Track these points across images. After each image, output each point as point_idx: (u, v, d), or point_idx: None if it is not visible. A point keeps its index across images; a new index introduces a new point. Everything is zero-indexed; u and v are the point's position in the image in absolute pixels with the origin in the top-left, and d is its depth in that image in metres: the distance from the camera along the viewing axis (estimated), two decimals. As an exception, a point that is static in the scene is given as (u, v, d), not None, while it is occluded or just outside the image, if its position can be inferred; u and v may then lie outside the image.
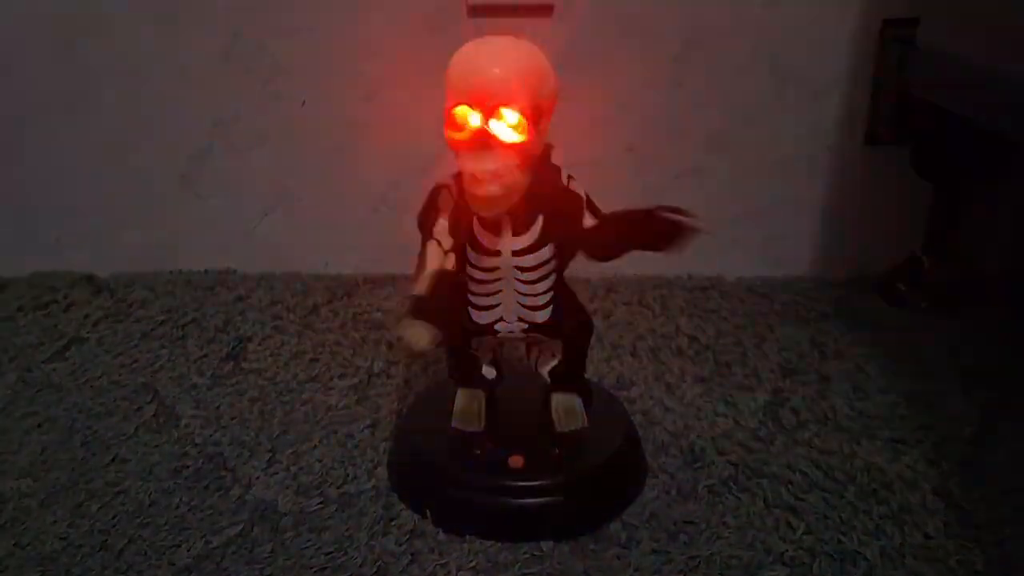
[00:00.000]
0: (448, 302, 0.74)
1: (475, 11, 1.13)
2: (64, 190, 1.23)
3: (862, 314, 1.15)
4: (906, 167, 1.15)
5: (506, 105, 0.68)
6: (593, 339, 0.85)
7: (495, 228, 0.74)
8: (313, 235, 1.26)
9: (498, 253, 0.74)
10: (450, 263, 0.73)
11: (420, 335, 0.73)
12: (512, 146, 0.68)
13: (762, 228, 1.24)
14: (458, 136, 0.69)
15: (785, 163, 1.20)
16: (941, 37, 1.02)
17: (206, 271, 1.26)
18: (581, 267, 0.78)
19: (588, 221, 0.75)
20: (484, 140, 0.68)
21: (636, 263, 1.22)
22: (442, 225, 0.73)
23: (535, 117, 0.69)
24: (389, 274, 1.25)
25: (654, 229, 0.75)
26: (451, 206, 0.73)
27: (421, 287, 0.71)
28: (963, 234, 1.16)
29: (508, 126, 0.68)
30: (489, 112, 0.68)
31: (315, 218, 1.25)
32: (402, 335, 0.75)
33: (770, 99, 1.17)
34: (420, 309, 0.74)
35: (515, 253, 0.74)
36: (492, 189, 0.69)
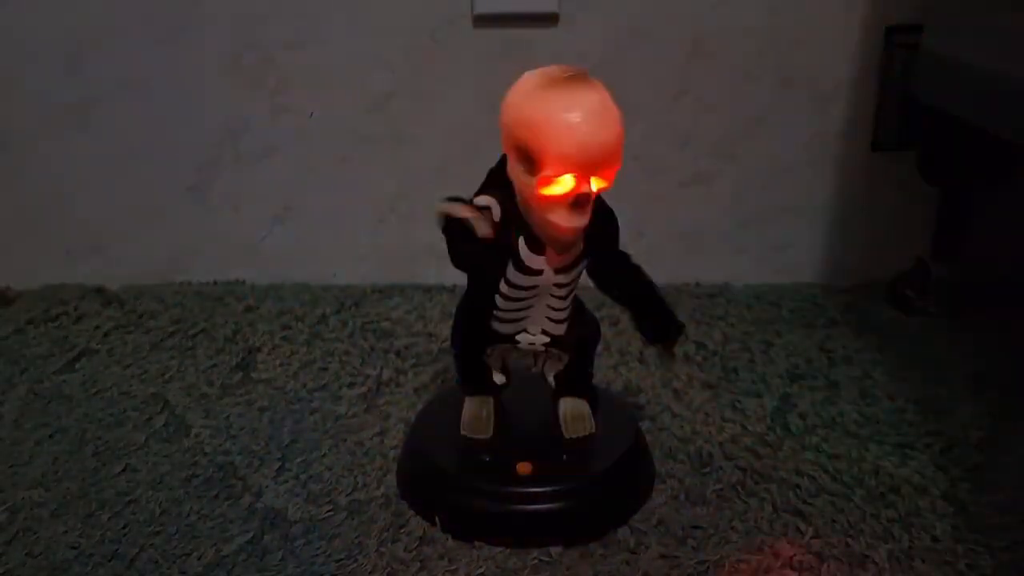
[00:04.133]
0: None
1: (481, 21, 1.14)
2: (74, 203, 1.24)
3: (869, 320, 1.15)
4: (912, 172, 1.15)
5: (608, 168, 0.68)
6: (601, 345, 0.85)
7: (542, 248, 0.73)
8: (321, 245, 1.26)
9: (540, 272, 0.74)
10: (487, 229, 0.68)
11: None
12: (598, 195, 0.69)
13: (769, 235, 1.24)
14: (555, 192, 0.68)
15: (791, 170, 1.20)
16: (945, 43, 1.02)
17: (215, 282, 1.27)
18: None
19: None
20: (585, 200, 0.68)
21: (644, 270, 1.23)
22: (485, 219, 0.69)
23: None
24: (397, 284, 1.25)
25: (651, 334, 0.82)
26: (488, 234, 0.69)
27: (484, 227, 0.68)
28: (970, 239, 1.16)
29: (601, 186, 0.69)
30: (592, 175, 0.67)
31: (323, 229, 1.25)
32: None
33: (775, 106, 1.17)
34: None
35: (557, 271, 0.74)
36: (578, 237, 0.71)
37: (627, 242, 1.20)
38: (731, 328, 1.13)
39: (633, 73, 1.16)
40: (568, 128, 0.65)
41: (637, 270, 0.80)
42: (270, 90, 1.18)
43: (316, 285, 1.26)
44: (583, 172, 0.67)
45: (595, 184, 0.68)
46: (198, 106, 1.19)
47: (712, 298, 1.21)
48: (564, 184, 0.67)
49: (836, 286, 1.24)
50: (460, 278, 0.78)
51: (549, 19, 1.14)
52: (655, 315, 0.82)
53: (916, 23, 1.08)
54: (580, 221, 0.69)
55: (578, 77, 0.67)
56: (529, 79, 0.69)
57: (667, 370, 0.76)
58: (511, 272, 0.74)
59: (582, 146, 0.66)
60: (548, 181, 0.67)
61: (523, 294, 0.75)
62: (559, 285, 0.75)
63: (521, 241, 0.72)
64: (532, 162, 0.67)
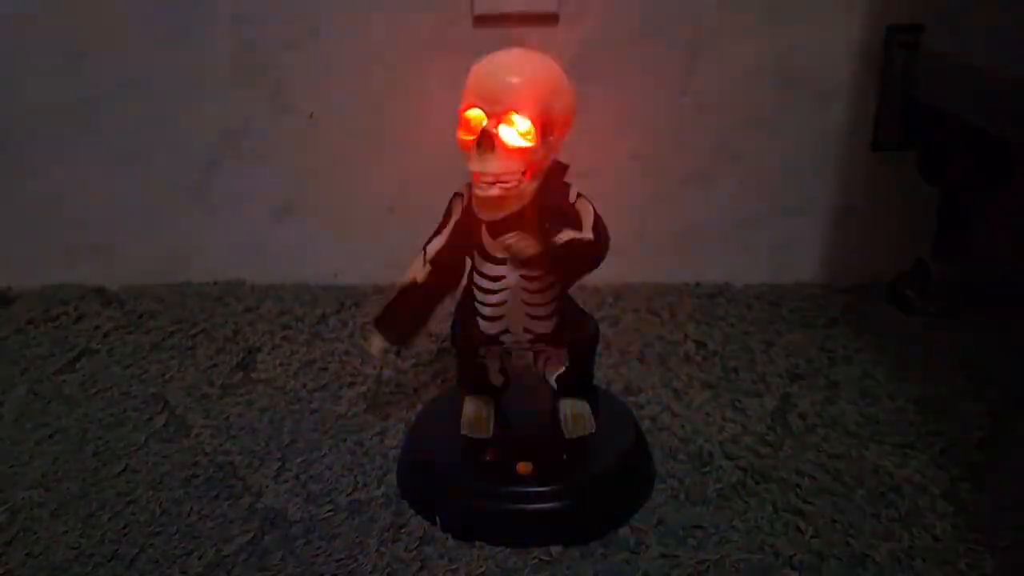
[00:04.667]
0: (412, 315, 0.82)
1: (481, 21, 1.14)
2: (74, 203, 1.24)
3: (870, 319, 1.15)
4: (913, 173, 1.15)
5: (516, 111, 0.70)
6: (601, 346, 0.85)
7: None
8: (322, 245, 1.26)
9: (504, 262, 0.75)
10: (423, 275, 0.79)
11: (373, 343, 0.84)
12: (516, 151, 0.70)
13: (769, 235, 1.24)
14: (467, 137, 0.71)
15: (791, 170, 1.20)
16: (946, 43, 1.02)
17: (215, 282, 1.27)
18: (590, 275, 0.78)
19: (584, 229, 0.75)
20: (490, 142, 0.69)
21: (644, 271, 1.24)
22: (437, 241, 0.78)
23: (545, 127, 0.70)
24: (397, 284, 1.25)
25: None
26: (460, 211, 0.77)
27: (386, 297, 0.79)
28: (970, 239, 1.16)
29: (517, 133, 0.70)
30: (499, 117, 0.70)
31: (324, 229, 1.25)
32: (361, 340, 0.80)
33: (776, 106, 1.17)
34: (381, 318, 0.83)
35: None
36: (493, 192, 0.71)
37: (627, 242, 1.21)
38: (731, 328, 1.13)
39: (633, 73, 1.16)
40: (482, 65, 0.72)
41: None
42: (270, 90, 1.18)
43: (316, 285, 1.26)
44: (486, 106, 0.70)
45: (508, 133, 0.70)
46: (198, 106, 1.19)
47: (712, 298, 1.21)
48: (477, 126, 0.71)
49: (836, 286, 1.24)
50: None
51: (549, 19, 1.14)
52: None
53: (917, 23, 1.08)
54: (486, 167, 0.70)
55: (533, 49, 0.73)
56: None
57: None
58: (478, 261, 0.76)
59: (485, 78, 0.71)
60: (464, 122, 0.72)
61: (493, 285, 0.76)
62: (527, 278, 0.75)
63: (484, 228, 0.74)
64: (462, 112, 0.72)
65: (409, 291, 0.80)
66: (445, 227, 0.78)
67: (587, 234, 0.73)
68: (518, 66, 0.71)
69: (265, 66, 1.17)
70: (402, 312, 0.83)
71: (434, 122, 1.19)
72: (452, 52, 1.15)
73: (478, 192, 0.71)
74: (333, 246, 1.26)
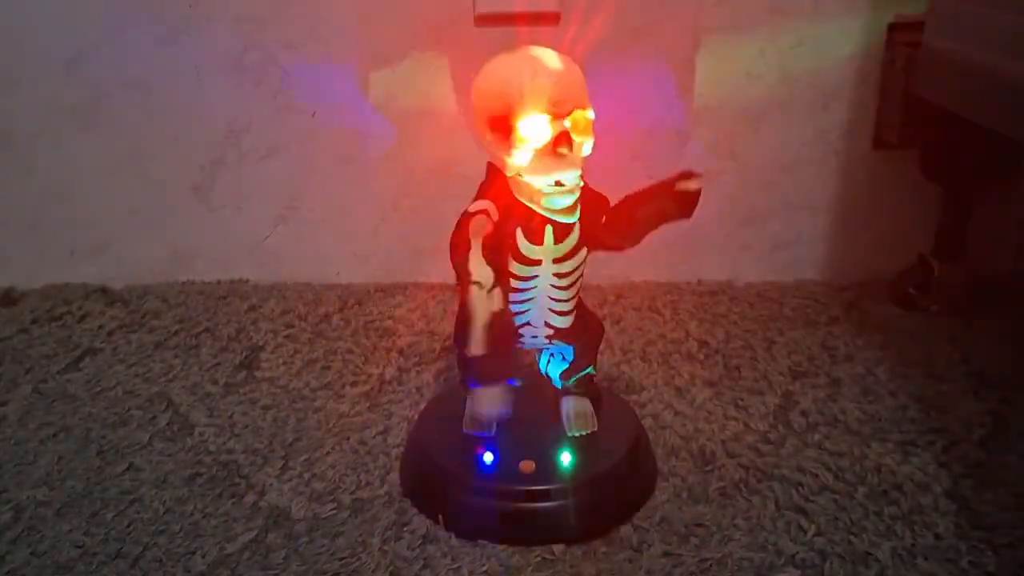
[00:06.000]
0: (500, 342, 0.74)
1: (483, 20, 1.14)
2: (77, 202, 1.24)
3: (872, 317, 1.15)
4: (914, 170, 1.15)
5: (581, 107, 0.69)
6: (603, 344, 0.85)
7: (538, 237, 0.73)
8: (324, 245, 1.26)
9: (539, 262, 0.74)
10: (496, 303, 0.70)
11: (493, 402, 0.79)
12: (587, 146, 0.70)
13: (771, 233, 1.24)
14: (534, 143, 0.69)
15: (793, 168, 1.21)
16: (948, 40, 1.02)
17: (218, 281, 1.27)
18: (592, 273, 0.78)
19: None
20: (569, 143, 0.68)
21: (646, 269, 1.24)
22: (477, 261, 0.69)
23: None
24: (400, 282, 1.26)
25: (676, 200, 0.75)
26: (487, 232, 0.69)
27: (478, 346, 0.71)
28: (972, 237, 1.16)
29: (581, 130, 0.69)
30: (564, 116, 0.68)
31: (326, 228, 1.25)
32: (476, 409, 0.80)
33: (777, 104, 1.17)
34: (485, 370, 0.77)
35: (555, 260, 0.74)
36: (570, 200, 0.71)
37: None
38: (733, 326, 1.13)
39: (634, 71, 1.16)
40: (511, 69, 0.69)
41: (625, 204, 0.76)
42: (272, 90, 1.18)
43: (319, 284, 1.26)
44: (551, 109, 0.68)
45: (575, 126, 0.69)
46: (201, 106, 1.19)
47: (714, 296, 1.21)
48: (539, 129, 0.68)
49: (838, 284, 1.24)
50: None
51: (551, 18, 1.14)
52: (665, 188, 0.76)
53: (918, 20, 1.08)
54: (571, 167, 0.70)
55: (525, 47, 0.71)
56: (486, 65, 0.71)
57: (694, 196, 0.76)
58: (511, 264, 0.74)
59: (536, 79, 0.68)
60: (526, 130, 0.68)
61: (524, 285, 0.75)
62: (559, 275, 0.75)
63: (519, 232, 0.73)
64: (506, 120, 0.69)
65: (493, 327, 0.71)
66: (468, 251, 0.69)
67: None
68: (557, 63, 0.70)
69: (267, 66, 1.17)
70: (494, 351, 0.74)
71: (437, 121, 1.19)
72: (454, 51, 1.15)
73: (555, 202, 0.71)
74: (335, 245, 1.26)
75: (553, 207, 0.71)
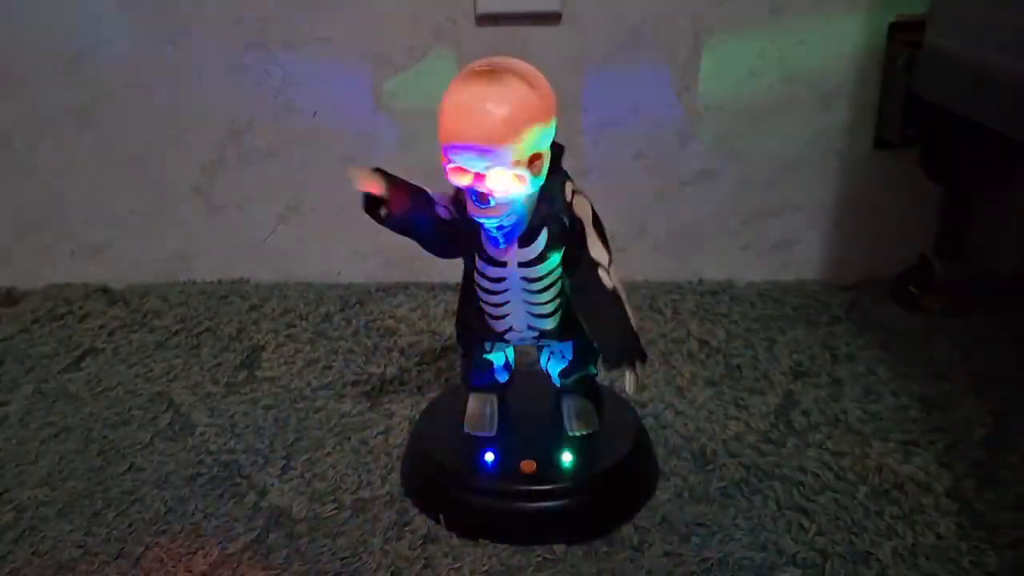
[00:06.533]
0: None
1: (484, 20, 1.14)
2: (78, 202, 1.25)
3: (873, 317, 1.15)
4: (915, 170, 1.15)
5: (501, 165, 0.67)
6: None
7: (492, 239, 0.74)
8: (325, 244, 1.26)
9: (504, 264, 0.74)
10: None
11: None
12: (512, 188, 0.69)
13: (772, 232, 1.24)
14: (460, 182, 0.69)
15: (794, 167, 1.21)
16: (949, 39, 1.02)
17: (219, 281, 1.28)
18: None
19: (591, 245, 0.74)
20: (485, 198, 0.69)
21: (647, 268, 1.24)
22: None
23: (532, 157, 0.68)
24: (401, 283, 1.26)
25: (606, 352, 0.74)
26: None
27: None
28: (973, 236, 1.16)
29: (509, 178, 0.68)
30: (483, 175, 0.68)
31: (327, 227, 1.25)
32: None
33: (778, 103, 1.17)
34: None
35: (520, 264, 0.74)
36: (495, 222, 0.71)
37: (630, 240, 1.21)
38: (734, 325, 1.13)
39: (636, 71, 1.16)
40: (446, 117, 0.68)
41: (596, 278, 0.73)
42: (273, 89, 1.18)
43: (320, 284, 1.27)
44: (467, 166, 0.68)
45: (495, 178, 0.67)
46: (201, 106, 1.19)
47: (715, 295, 1.21)
48: (457, 176, 0.69)
49: (839, 283, 1.24)
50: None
51: (552, 18, 1.14)
52: (613, 334, 0.74)
53: (919, 20, 1.08)
54: (486, 215, 0.70)
55: (491, 72, 0.67)
56: (454, 80, 0.69)
57: (630, 394, 0.73)
58: (479, 263, 0.75)
59: (454, 135, 0.67)
60: (449, 169, 0.69)
61: (494, 287, 0.76)
62: (528, 279, 0.75)
63: (483, 232, 0.74)
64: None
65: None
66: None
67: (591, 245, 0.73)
68: (487, 114, 0.66)
69: (268, 66, 1.17)
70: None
71: (437, 121, 1.19)
72: (455, 51, 1.15)
73: (485, 223, 0.71)
74: (336, 245, 1.26)
75: (487, 223, 0.72)
